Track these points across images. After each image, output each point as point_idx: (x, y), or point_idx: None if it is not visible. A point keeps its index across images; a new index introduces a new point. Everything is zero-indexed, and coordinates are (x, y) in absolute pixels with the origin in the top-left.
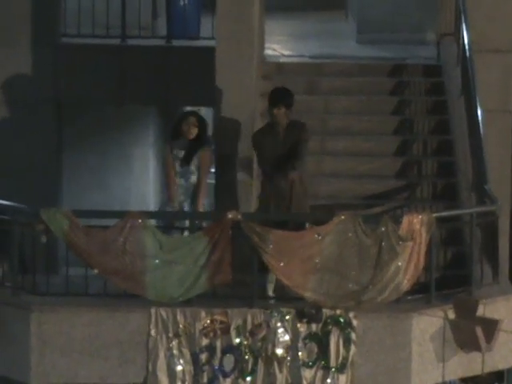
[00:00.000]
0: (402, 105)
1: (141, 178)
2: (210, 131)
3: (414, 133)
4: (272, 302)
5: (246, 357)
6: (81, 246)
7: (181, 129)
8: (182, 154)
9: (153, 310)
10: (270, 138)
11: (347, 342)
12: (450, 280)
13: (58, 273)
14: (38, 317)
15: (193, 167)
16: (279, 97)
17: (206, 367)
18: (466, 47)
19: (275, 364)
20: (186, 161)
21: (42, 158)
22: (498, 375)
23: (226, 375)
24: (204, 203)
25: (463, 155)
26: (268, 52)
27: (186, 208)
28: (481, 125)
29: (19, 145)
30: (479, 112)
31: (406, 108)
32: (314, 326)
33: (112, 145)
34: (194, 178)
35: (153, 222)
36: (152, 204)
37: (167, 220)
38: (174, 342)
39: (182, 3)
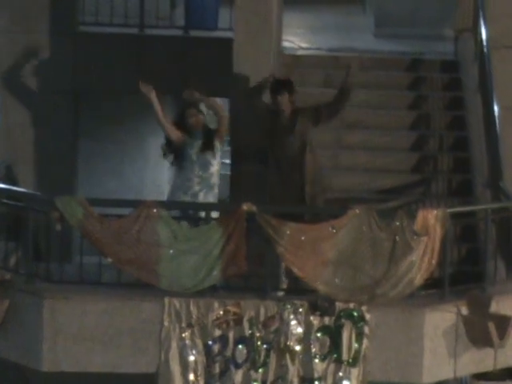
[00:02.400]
0: (418, 100)
1: (156, 167)
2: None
3: (431, 128)
4: (285, 294)
5: (259, 348)
6: (95, 235)
7: (188, 124)
8: (197, 145)
9: (166, 300)
10: (275, 126)
11: (360, 335)
12: (463, 276)
13: (72, 261)
14: (51, 304)
15: (209, 157)
16: (281, 84)
17: (219, 358)
18: (484, 43)
19: (287, 356)
20: (204, 149)
21: (59, 146)
22: (511, 372)
23: (238, 366)
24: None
25: (479, 151)
26: (285, 44)
27: (202, 198)
28: (497, 121)
29: (36, 133)
30: (496, 108)
31: (422, 103)
32: (326, 319)
33: (128, 133)
34: (212, 169)
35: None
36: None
37: (182, 209)
38: (186, 332)
39: None
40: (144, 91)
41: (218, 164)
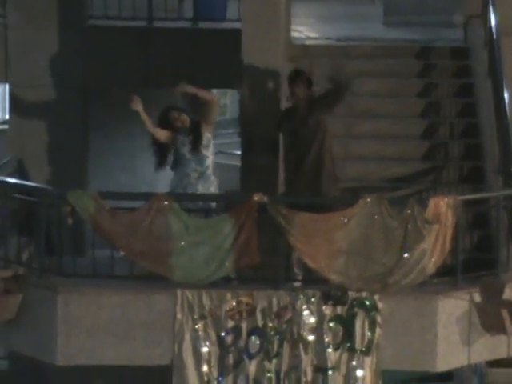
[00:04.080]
0: (428, 87)
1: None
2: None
3: (441, 115)
4: (298, 284)
5: (272, 339)
6: (107, 228)
7: (175, 126)
8: (189, 141)
9: (179, 292)
10: (291, 119)
11: (372, 324)
12: (476, 263)
13: (85, 255)
14: (65, 298)
15: (203, 150)
16: (296, 74)
17: (232, 349)
18: (493, 30)
19: (300, 346)
20: (196, 146)
21: (69, 140)
22: None
23: (251, 357)
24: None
25: (490, 138)
26: (294, 34)
27: (200, 190)
28: (507, 107)
29: (46, 128)
30: (506, 94)
31: (432, 91)
32: (339, 309)
33: (138, 127)
34: (207, 162)
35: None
36: None
37: (193, 201)
38: (199, 324)
39: None
40: (132, 104)
41: (212, 153)
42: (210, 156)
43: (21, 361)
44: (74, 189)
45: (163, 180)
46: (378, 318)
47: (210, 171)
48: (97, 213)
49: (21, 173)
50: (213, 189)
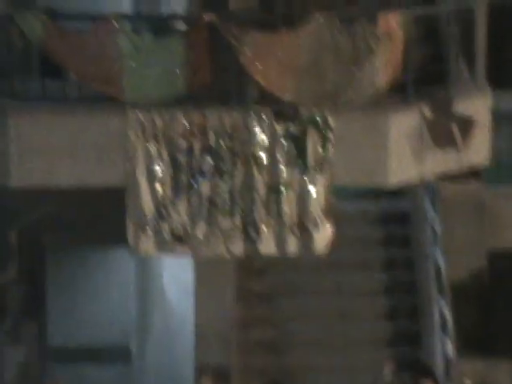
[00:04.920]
0: None
1: None
2: None
3: None
4: (249, 103)
5: (225, 158)
6: (56, 51)
7: None
8: None
9: (130, 113)
10: None
11: (324, 141)
12: (427, 80)
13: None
14: (16, 121)
15: None
16: None
17: (185, 169)
18: None
19: (253, 165)
20: None
21: None
22: (473, 173)
23: (204, 177)
24: None
25: None
26: None
27: None
28: None
29: None
30: None
31: None
32: (291, 127)
33: None
34: None
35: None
36: None
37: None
38: (152, 145)
39: None
40: None
41: None
42: None
43: None
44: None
45: None
46: (330, 135)
47: None
48: (45, 34)
49: None
50: None
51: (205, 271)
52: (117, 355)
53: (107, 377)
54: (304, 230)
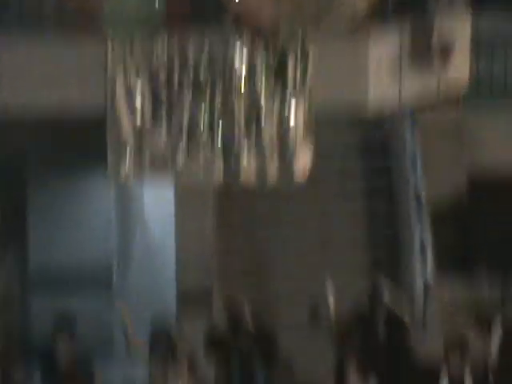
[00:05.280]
0: None
1: None
2: None
3: None
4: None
5: (204, 89)
6: None
7: None
8: None
9: (109, 42)
10: None
11: (304, 69)
12: (407, 2)
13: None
14: None
15: None
16: None
17: (165, 100)
18: None
19: (233, 94)
20: None
21: None
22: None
23: (184, 109)
24: None
25: None
26: None
27: None
28: None
29: None
30: None
31: None
32: (270, 55)
33: None
34: None
35: None
36: None
37: None
38: (131, 75)
39: None
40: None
41: None
42: None
43: None
44: None
45: None
46: (309, 63)
47: None
48: None
49: None
50: None
51: (185, 199)
52: (98, 279)
53: (89, 300)
54: (283, 157)
